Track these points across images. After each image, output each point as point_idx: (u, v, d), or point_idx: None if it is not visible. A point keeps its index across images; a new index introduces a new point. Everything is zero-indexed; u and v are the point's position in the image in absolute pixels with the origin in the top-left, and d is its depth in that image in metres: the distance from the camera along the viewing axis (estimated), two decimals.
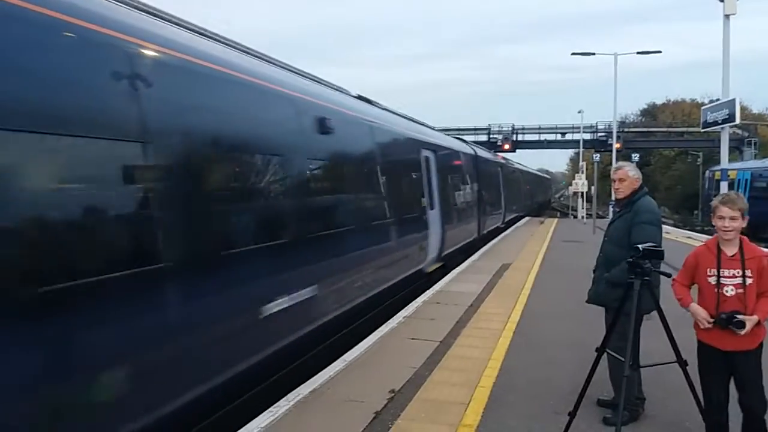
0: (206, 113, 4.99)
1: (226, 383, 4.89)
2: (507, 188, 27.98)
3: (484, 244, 18.94)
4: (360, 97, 10.48)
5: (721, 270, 3.87)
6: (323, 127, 7.33)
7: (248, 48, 6.72)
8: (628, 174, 5.10)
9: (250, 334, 5.30)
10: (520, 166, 41.66)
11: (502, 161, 31.30)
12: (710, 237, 4.28)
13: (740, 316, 3.73)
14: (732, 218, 3.84)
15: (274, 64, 7.22)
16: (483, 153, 23.61)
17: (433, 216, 12.43)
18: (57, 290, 3.27)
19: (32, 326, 3.17)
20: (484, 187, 20.47)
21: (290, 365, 6.20)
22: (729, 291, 3.83)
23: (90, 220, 3.67)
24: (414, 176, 11.79)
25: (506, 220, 27.30)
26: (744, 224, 3.89)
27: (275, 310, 5.50)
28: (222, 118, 5.23)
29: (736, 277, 3.84)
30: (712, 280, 3.90)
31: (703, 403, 4.06)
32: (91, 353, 3.50)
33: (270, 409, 5.11)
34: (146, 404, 3.94)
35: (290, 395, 5.44)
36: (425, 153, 12.53)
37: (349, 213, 8.17)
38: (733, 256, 3.87)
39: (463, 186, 17.01)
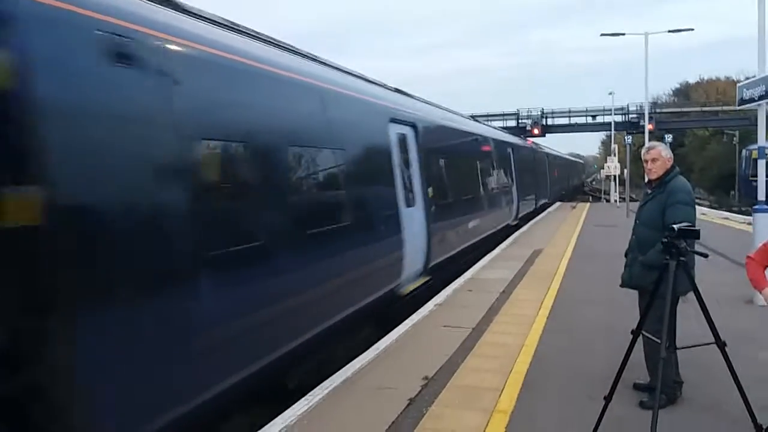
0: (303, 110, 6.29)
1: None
2: (538, 173, 28.32)
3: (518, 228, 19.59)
4: (398, 90, 10.82)
5: None
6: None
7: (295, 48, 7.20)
8: (660, 154, 5.00)
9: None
10: (550, 151, 41.14)
11: (534, 147, 31.02)
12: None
13: None
14: None
15: (329, 66, 7.97)
16: (517, 141, 25.07)
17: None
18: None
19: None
20: (519, 173, 21.05)
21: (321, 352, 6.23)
22: None
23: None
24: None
25: (539, 204, 27.48)
26: None
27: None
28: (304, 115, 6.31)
29: None
30: None
31: None
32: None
33: (305, 397, 5.17)
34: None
35: (324, 383, 5.50)
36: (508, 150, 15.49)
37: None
38: None
39: (501, 172, 18.25)
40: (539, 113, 58.41)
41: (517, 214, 20.52)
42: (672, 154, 5.12)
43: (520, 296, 9.24)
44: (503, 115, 58.82)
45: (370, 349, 6.61)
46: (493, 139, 18.17)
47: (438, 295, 9.42)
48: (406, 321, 7.84)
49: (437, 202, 10.46)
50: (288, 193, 5.76)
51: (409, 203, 9.07)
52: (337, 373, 5.78)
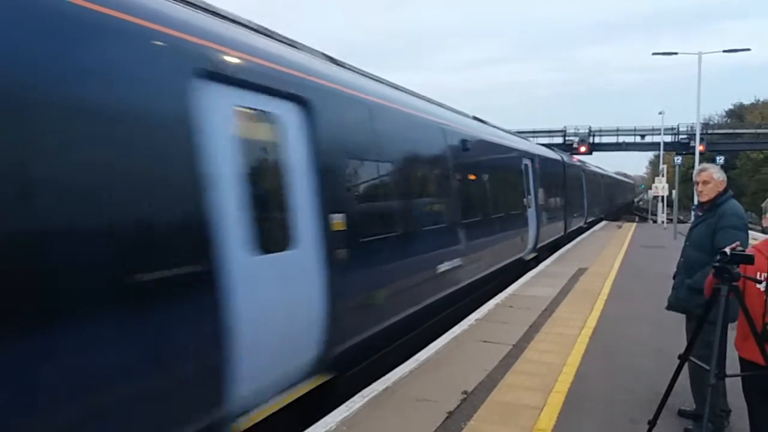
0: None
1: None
2: (588, 191, 28.81)
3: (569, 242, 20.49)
4: (475, 118, 12.97)
5: None
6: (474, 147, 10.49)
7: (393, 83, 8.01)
8: (712, 176, 4.91)
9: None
10: (597, 169, 40.49)
11: (581, 164, 30.60)
12: None
13: None
14: None
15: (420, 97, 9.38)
16: (568, 159, 25.34)
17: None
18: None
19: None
20: (569, 190, 22.17)
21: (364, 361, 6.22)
22: None
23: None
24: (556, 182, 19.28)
25: (588, 221, 28.23)
26: None
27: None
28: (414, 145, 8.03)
29: None
30: (762, 287, 3.65)
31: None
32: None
33: (346, 403, 5.22)
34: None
35: (364, 391, 5.54)
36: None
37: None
38: None
39: (555, 189, 19.60)
40: (587, 131, 57.61)
41: (586, 220, 26.47)
42: (725, 177, 5.01)
43: (562, 314, 9.12)
44: (549, 131, 58.20)
45: (410, 360, 6.63)
46: (569, 164, 24.00)
47: (478, 309, 9.37)
48: (446, 334, 7.82)
49: (540, 208, 15.86)
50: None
51: (530, 207, 14.52)
52: (377, 382, 5.82)
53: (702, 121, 43.22)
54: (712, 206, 4.89)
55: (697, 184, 4.98)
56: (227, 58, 4.42)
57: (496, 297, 10.36)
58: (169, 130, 3.80)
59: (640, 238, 23.77)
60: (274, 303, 4.61)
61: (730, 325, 4.22)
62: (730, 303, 3.70)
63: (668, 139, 51.39)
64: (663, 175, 32.16)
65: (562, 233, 20.04)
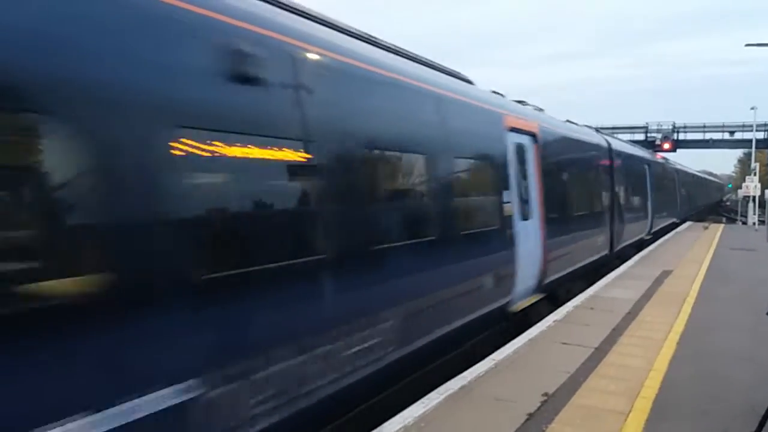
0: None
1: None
2: (656, 190, 22.81)
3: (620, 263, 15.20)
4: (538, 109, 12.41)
5: None
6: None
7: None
8: None
9: None
10: (679, 167, 38.62)
11: (651, 158, 27.32)
12: None
13: None
14: None
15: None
16: (620, 146, 18.21)
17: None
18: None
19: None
20: (620, 188, 16.49)
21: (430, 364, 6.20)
22: None
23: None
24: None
25: (653, 229, 22.20)
26: None
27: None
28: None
29: None
30: None
31: None
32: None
33: (422, 399, 5.18)
34: None
35: (441, 388, 5.48)
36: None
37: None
38: None
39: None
40: (670, 127, 55.26)
41: (650, 227, 21.85)
42: None
43: (647, 317, 8.73)
44: (631, 128, 56.18)
45: (487, 359, 6.51)
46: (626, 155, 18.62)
47: (556, 311, 9.13)
48: (523, 335, 7.65)
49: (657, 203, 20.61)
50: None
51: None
52: (454, 379, 5.75)
53: None
54: None
55: None
56: (515, 122, 8.93)
57: (574, 299, 10.06)
58: (503, 154, 8.40)
59: (728, 240, 22.57)
60: (526, 246, 8.66)
61: None
62: None
63: (761, 136, 48.51)
64: (755, 174, 30.45)
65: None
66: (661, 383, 5.89)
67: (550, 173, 10.13)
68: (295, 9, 5.06)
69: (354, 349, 4.73)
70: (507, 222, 8.20)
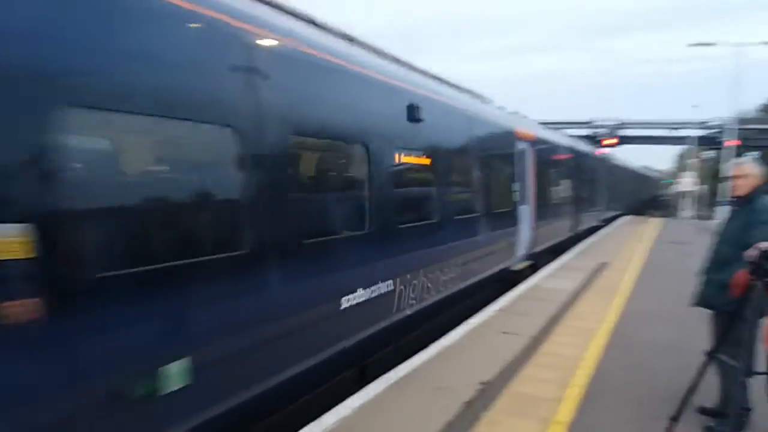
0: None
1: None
2: (608, 185, 27.00)
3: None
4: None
5: None
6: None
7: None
8: (749, 170, 4.77)
9: None
10: (620, 163, 39.83)
11: (600, 156, 29.48)
12: None
13: None
14: None
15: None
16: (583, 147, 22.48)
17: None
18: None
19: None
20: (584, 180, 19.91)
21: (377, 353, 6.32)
22: None
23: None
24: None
25: (605, 217, 26.30)
26: None
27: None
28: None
29: None
30: None
31: None
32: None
33: (362, 390, 5.24)
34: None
35: (382, 378, 5.56)
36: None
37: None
38: None
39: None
40: (614, 123, 56.74)
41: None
42: (762, 171, 4.87)
43: (583, 308, 9.04)
44: (576, 123, 57.42)
45: (429, 348, 6.63)
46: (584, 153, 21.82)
47: (498, 300, 9.34)
48: (464, 324, 7.81)
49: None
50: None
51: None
52: (395, 369, 5.83)
53: (737, 116, 42.27)
54: (746, 201, 4.77)
55: (734, 177, 4.85)
56: (523, 133, 11.98)
57: (515, 289, 10.31)
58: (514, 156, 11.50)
59: (665, 233, 23.45)
60: (524, 224, 11.69)
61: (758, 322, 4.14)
62: (763, 299, 3.61)
63: (699, 133, 50.41)
64: (691, 170, 31.67)
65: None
66: (594, 371, 6.12)
67: (539, 170, 13.07)
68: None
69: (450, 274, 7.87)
70: (515, 206, 11.27)
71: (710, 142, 51.38)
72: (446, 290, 7.73)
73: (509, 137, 11.28)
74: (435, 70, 8.76)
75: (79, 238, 3.04)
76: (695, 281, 5.13)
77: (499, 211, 10.15)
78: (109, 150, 3.46)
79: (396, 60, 7.38)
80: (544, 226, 13.32)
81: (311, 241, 4.81)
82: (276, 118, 4.41)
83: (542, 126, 15.91)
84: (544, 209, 13.42)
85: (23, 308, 2.75)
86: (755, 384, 4.39)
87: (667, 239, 20.77)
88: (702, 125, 50.86)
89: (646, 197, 60.99)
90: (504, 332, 7.52)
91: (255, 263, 4.11)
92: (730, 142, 30.88)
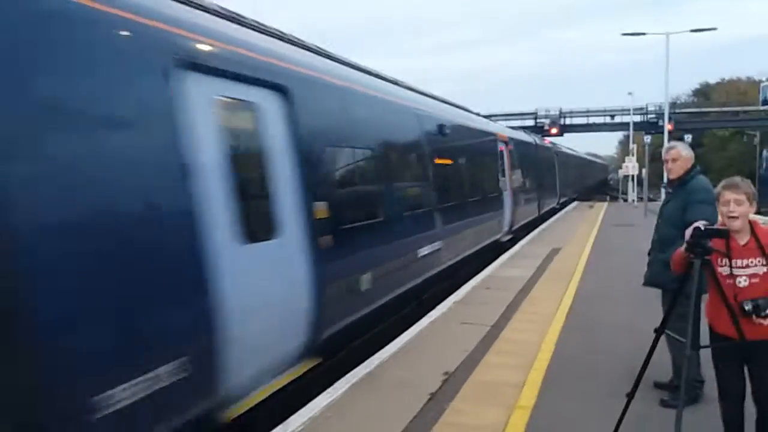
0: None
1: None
2: (560, 172, 29.81)
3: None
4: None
5: (733, 261, 3.66)
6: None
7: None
8: (680, 153, 5.01)
9: None
10: (568, 151, 40.94)
11: (551, 146, 31.05)
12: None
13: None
14: (737, 201, 3.62)
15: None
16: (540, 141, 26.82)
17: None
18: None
19: None
20: (541, 172, 23.32)
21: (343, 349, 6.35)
22: (742, 282, 3.64)
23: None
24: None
25: (560, 202, 29.21)
26: (752, 210, 3.69)
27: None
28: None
29: (749, 267, 3.63)
30: (724, 271, 3.70)
31: (718, 396, 3.95)
32: None
33: (328, 390, 5.24)
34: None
35: (347, 377, 5.57)
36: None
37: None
38: (745, 244, 3.66)
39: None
40: (557, 113, 58.09)
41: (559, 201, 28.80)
42: (693, 154, 5.12)
43: (538, 294, 9.25)
44: (521, 114, 58.57)
45: (391, 343, 6.67)
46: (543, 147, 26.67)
47: (456, 292, 9.46)
48: (425, 317, 7.88)
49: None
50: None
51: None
52: (359, 367, 5.85)
53: (670, 101, 43.84)
54: (681, 183, 5.00)
55: (667, 162, 5.08)
56: (501, 135, 15.97)
57: (472, 280, 10.46)
58: (498, 154, 15.18)
59: (611, 217, 24.16)
60: (506, 206, 15.08)
61: (702, 297, 4.32)
62: (703, 276, 3.77)
63: (638, 119, 52.10)
64: (633, 155, 32.65)
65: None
66: (552, 355, 6.28)
67: (512, 164, 16.23)
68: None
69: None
70: (501, 192, 14.51)
71: (648, 126, 53.19)
72: (465, 252, 11.04)
73: (494, 140, 14.88)
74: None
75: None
76: (642, 262, 5.33)
77: (493, 196, 13.69)
78: None
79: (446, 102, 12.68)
80: (519, 208, 16.59)
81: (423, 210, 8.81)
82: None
83: (509, 127, 21.06)
84: (518, 196, 16.64)
85: None
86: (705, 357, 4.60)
87: (614, 222, 21.40)
88: (638, 111, 52.54)
89: (593, 183, 62.70)
90: (464, 323, 7.63)
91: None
92: (668, 127, 31.97)
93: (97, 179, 3.23)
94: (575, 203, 33.84)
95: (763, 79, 52.25)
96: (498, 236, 14.21)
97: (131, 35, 3.64)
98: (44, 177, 2.99)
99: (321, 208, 5.45)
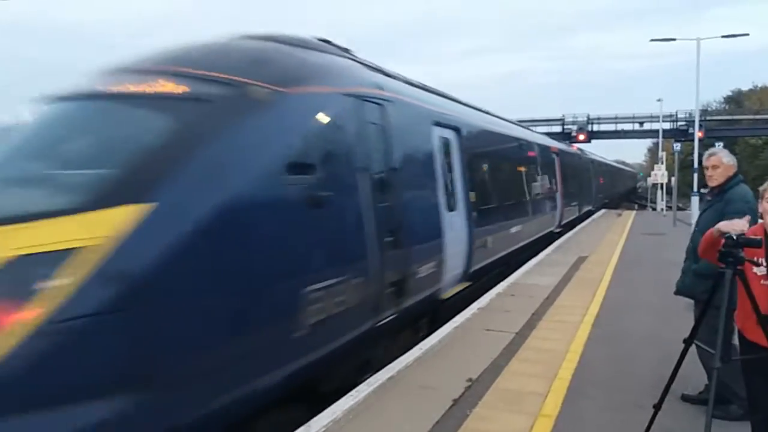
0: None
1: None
2: (594, 179, 32.41)
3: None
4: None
5: None
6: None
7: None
8: (722, 160, 4.89)
9: None
10: (595, 157, 40.43)
11: (587, 154, 31.25)
12: None
13: None
14: None
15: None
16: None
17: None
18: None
19: None
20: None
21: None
22: None
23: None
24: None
25: (583, 211, 27.44)
26: None
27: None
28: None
29: None
30: (760, 271, 3.58)
31: (749, 410, 3.85)
32: None
33: (351, 393, 5.25)
34: None
35: (370, 380, 5.57)
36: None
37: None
38: None
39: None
40: (585, 119, 57.49)
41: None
42: (735, 161, 4.98)
43: (564, 302, 9.14)
44: (548, 120, 58.07)
45: (414, 348, 6.65)
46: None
47: (480, 299, 9.40)
48: (449, 323, 7.84)
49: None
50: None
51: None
52: (383, 371, 5.85)
53: (701, 108, 43.11)
54: (721, 191, 4.88)
55: (707, 168, 4.95)
56: (554, 148, 20.50)
57: (497, 287, 10.39)
58: (548, 161, 18.97)
59: (639, 225, 23.82)
60: (558, 205, 19.10)
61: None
62: (735, 287, 3.69)
63: (667, 126, 51.30)
64: (662, 163, 32.19)
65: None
66: (578, 364, 6.19)
67: (562, 172, 19.87)
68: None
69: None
70: (555, 194, 18.32)
71: (677, 134, 52.35)
72: (534, 236, 14.68)
73: (550, 153, 18.74)
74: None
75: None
76: (671, 272, 5.24)
77: (551, 197, 17.58)
78: None
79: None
80: (565, 208, 20.13)
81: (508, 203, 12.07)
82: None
83: (558, 141, 24.66)
84: (565, 198, 20.06)
85: None
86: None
87: (643, 231, 21.10)
88: (668, 118, 51.75)
89: (623, 190, 61.94)
90: (487, 329, 7.57)
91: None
92: (698, 134, 31.46)
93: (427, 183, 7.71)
94: (603, 210, 33.41)
95: None
96: (552, 228, 18.17)
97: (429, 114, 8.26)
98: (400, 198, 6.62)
99: (472, 197, 9.26)
